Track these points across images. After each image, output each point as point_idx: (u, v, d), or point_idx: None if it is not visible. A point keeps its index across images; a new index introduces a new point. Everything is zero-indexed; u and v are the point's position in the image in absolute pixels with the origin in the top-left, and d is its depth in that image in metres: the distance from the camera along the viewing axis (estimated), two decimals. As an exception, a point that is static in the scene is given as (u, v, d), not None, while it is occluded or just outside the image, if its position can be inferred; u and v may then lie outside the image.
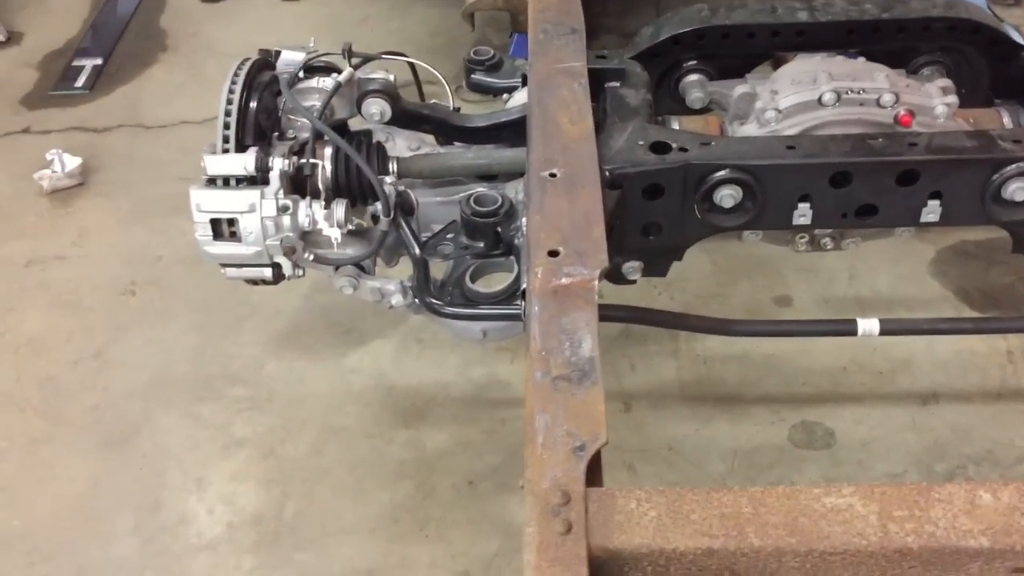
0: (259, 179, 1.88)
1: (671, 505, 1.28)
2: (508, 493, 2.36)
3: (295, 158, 1.91)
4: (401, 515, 2.33)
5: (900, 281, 2.86)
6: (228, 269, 1.99)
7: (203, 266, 3.00)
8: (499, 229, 1.71)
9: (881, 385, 2.57)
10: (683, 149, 1.88)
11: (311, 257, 1.96)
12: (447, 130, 2.13)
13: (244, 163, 1.87)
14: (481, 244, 1.73)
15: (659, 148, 1.88)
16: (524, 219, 1.69)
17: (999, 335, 2.59)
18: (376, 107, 2.04)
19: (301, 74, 2.06)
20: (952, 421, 2.47)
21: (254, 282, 2.07)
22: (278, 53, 2.11)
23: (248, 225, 1.89)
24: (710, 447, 2.45)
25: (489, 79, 2.20)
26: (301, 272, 1.99)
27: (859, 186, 1.88)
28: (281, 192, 1.88)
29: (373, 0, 4.35)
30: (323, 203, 1.92)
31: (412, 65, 2.23)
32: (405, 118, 2.08)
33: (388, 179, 1.95)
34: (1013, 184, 1.84)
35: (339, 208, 1.91)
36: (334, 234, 1.91)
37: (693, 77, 2.23)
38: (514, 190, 1.89)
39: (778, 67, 2.27)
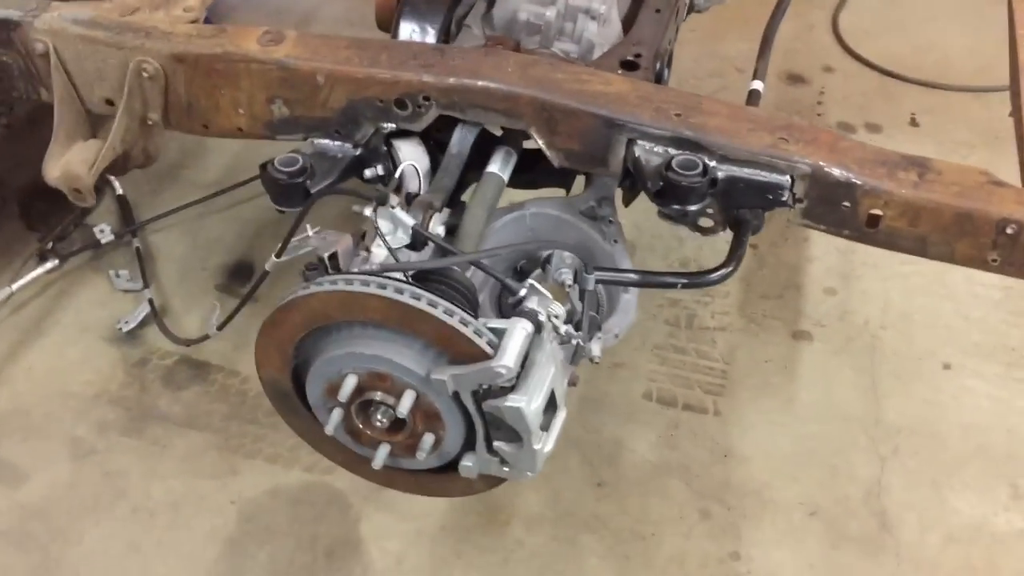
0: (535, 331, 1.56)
1: None
2: (621, 455, 2.46)
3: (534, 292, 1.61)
4: (612, 545, 2.28)
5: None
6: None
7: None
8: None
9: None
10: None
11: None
12: None
13: (525, 330, 1.53)
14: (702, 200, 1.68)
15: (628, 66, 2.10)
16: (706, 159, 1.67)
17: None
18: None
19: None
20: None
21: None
22: (331, 258, 1.67)
23: (560, 385, 1.59)
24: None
25: (329, 182, 1.78)
26: None
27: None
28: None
29: None
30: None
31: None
32: None
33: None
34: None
35: (560, 306, 1.63)
36: (567, 329, 1.64)
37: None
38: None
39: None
